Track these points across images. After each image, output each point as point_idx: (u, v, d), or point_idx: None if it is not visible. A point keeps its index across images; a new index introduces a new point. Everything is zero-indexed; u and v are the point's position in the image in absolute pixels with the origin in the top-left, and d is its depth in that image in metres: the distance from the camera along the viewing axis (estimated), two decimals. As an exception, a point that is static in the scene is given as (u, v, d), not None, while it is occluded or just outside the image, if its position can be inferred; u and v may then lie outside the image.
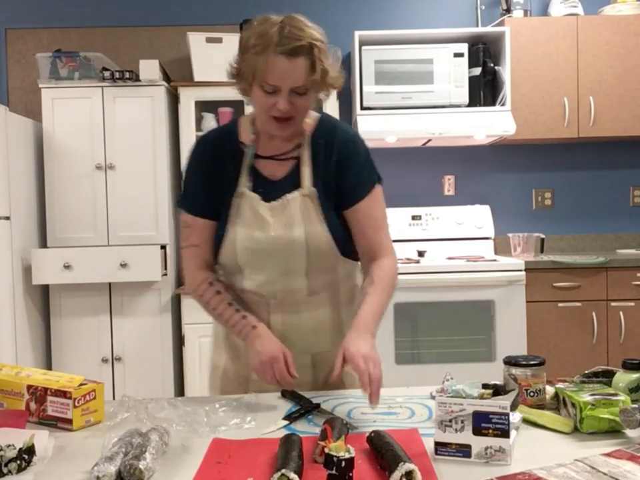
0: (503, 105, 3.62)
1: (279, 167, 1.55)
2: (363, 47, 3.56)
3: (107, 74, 3.38)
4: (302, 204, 1.50)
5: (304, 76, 1.40)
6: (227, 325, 1.56)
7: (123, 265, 3.24)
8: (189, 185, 1.60)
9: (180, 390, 3.47)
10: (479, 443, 1.09)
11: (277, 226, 1.50)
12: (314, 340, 1.58)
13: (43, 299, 3.43)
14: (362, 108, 3.58)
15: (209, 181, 1.55)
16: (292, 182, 1.53)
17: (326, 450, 1.01)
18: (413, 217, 3.74)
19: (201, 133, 3.51)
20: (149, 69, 3.37)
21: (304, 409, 1.38)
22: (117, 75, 3.37)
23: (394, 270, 1.56)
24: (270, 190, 1.52)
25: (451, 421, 1.11)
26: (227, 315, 1.54)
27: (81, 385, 1.35)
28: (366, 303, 1.47)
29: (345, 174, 1.53)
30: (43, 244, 3.43)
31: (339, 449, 1.00)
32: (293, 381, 1.46)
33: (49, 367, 3.37)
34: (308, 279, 1.54)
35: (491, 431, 1.09)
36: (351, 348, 1.36)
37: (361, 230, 1.55)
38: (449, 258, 3.63)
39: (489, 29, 3.71)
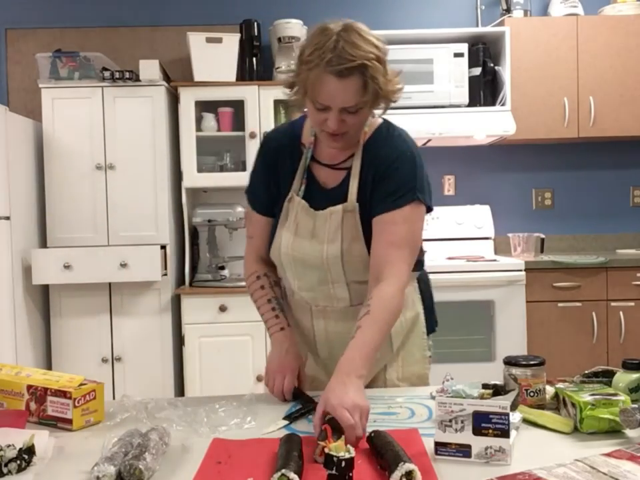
0: (503, 105, 3.62)
1: (332, 175, 1.53)
2: (363, 47, 3.56)
3: (107, 74, 3.37)
4: (344, 219, 1.48)
5: (355, 96, 1.34)
6: (262, 319, 1.59)
7: (123, 265, 3.24)
8: (252, 178, 1.63)
9: (180, 390, 3.47)
10: (478, 443, 1.09)
11: (317, 238, 1.50)
12: None
13: (43, 299, 3.42)
14: (362, 108, 3.57)
15: (269, 179, 1.57)
16: (341, 192, 1.50)
17: (326, 450, 1.01)
18: (413, 217, 3.72)
19: (200, 133, 3.55)
20: (149, 69, 3.37)
21: (304, 409, 1.39)
22: (117, 74, 3.36)
23: (395, 300, 1.41)
24: (320, 197, 1.51)
25: (450, 420, 1.11)
26: (263, 309, 1.58)
27: (81, 385, 1.35)
28: (356, 339, 1.35)
29: (381, 182, 1.47)
30: (43, 244, 3.43)
31: (339, 449, 1.00)
32: (282, 398, 1.47)
33: (49, 367, 3.36)
34: (349, 291, 1.54)
35: (490, 430, 1.09)
36: (332, 399, 1.22)
37: (376, 243, 1.45)
38: (449, 258, 3.63)
39: (489, 29, 3.71)
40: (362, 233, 1.48)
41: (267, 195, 1.58)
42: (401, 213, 1.45)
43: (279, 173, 1.56)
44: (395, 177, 1.46)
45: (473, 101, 3.65)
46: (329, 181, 1.53)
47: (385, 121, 1.55)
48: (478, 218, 3.88)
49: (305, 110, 1.49)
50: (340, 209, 1.48)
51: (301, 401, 1.44)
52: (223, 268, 3.54)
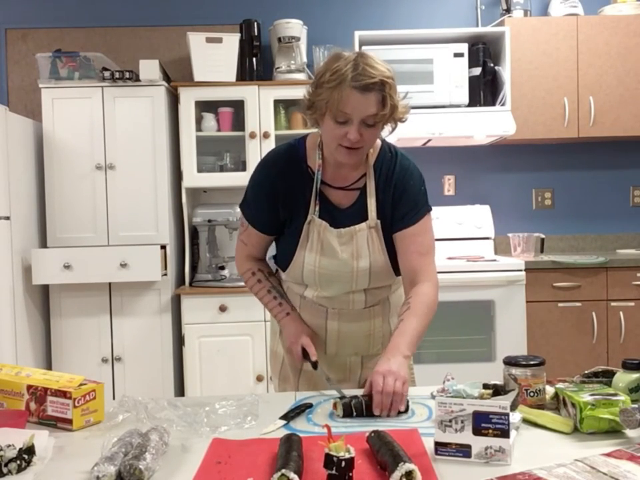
0: (503, 105, 3.62)
1: (345, 195, 1.63)
2: (363, 47, 3.56)
3: (107, 74, 3.37)
4: (368, 235, 1.61)
5: (375, 109, 1.47)
6: (267, 308, 1.73)
7: (123, 265, 3.24)
8: (252, 197, 1.67)
9: (180, 390, 3.47)
10: (479, 443, 1.09)
11: (345, 255, 1.61)
12: (365, 344, 1.72)
13: (43, 298, 3.42)
14: (362, 108, 3.57)
15: (271, 205, 1.63)
16: (357, 211, 1.62)
17: (326, 450, 1.01)
18: (413, 217, 3.73)
19: (200, 133, 3.55)
20: (149, 68, 3.37)
21: (301, 407, 1.39)
22: (117, 74, 3.36)
23: (432, 297, 1.59)
24: (336, 217, 1.62)
25: (451, 421, 1.11)
26: (266, 300, 1.70)
27: (81, 385, 1.35)
28: (399, 329, 1.52)
29: (400, 201, 1.62)
30: (43, 244, 3.43)
31: (339, 449, 1.00)
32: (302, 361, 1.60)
33: (49, 367, 3.36)
34: (366, 295, 1.67)
35: (490, 430, 1.09)
36: (376, 368, 1.43)
37: (407, 254, 1.61)
38: (449, 258, 3.63)
39: (489, 29, 3.71)
40: (385, 246, 1.62)
41: (269, 217, 1.64)
42: (422, 225, 1.63)
43: (286, 196, 1.62)
44: (410, 193, 1.63)
45: (473, 101, 3.65)
46: (342, 201, 1.63)
47: (383, 140, 1.67)
48: (478, 218, 3.88)
49: (316, 131, 1.61)
50: (364, 226, 1.61)
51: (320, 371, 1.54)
52: (223, 268, 3.54)
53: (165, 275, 3.40)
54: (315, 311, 1.69)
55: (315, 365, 1.55)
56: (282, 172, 1.62)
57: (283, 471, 0.98)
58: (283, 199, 1.61)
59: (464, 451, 1.10)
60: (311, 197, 1.61)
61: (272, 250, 1.76)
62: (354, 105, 1.45)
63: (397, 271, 1.66)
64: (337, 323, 1.68)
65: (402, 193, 1.62)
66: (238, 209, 3.39)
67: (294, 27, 3.61)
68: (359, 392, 1.45)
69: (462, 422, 1.10)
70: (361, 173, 1.63)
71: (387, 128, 1.57)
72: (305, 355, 1.58)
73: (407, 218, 1.61)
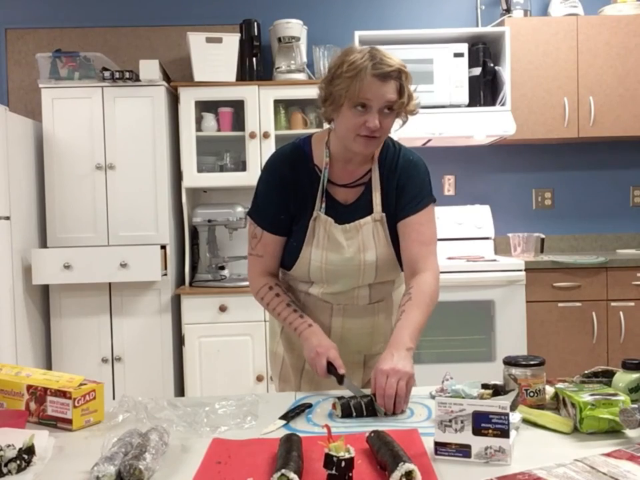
0: (502, 105, 3.62)
1: (350, 192, 1.65)
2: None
3: (107, 74, 3.37)
4: (374, 229, 1.63)
5: (394, 96, 1.52)
6: (285, 323, 1.67)
7: (123, 265, 3.24)
8: (261, 199, 1.67)
9: (180, 390, 3.47)
10: (478, 443, 1.09)
11: (351, 249, 1.62)
12: (368, 342, 1.73)
13: (43, 299, 3.42)
14: (362, 108, 3.57)
15: (282, 200, 1.63)
16: (362, 206, 1.64)
17: (326, 450, 1.01)
18: (413, 217, 3.73)
19: (200, 133, 3.55)
20: (149, 69, 3.37)
21: (300, 407, 1.39)
22: (117, 74, 3.36)
23: (433, 286, 1.59)
24: (342, 213, 1.63)
25: (450, 421, 1.11)
26: (285, 314, 1.65)
27: (81, 385, 1.35)
28: (401, 320, 1.52)
29: (404, 189, 1.64)
30: (43, 244, 3.43)
31: (339, 449, 1.00)
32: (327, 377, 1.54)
33: (49, 367, 3.36)
34: (371, 290, 1.68)
35: (490, 431, 1.09)
36: (377, 366, 1.42)
37: (408, 243, 1.62)
38: (449, 258, 3.63)
39: (489, 29, 3.71)
40: (390, 239, 1.63)
41: (281, 216, 1.64)
42: (424, 214, 1.64)
43: (293, 194, 1.63)
44: (414, 183, 1.65)
45: (473, 101, 3.65)
46: (348, 197, 1.65)
47: (387, 137, 1.68)
48: (478, 218, 3.88)
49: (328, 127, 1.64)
50: (369, 220, 1.63)
51: (347, 385, 1.50)
52: (223, 268, 3.54)
53: (165, 275, 3.40)
54: (320, 308, 1.69)
55: (341, 380, 1.50)
56: (289, 168, 1.64)
57: (283, 471, 0.98)
58: (292, 192, 1.62)
59: (464, 451, 1.10)
60: (316, 194, 1.62)
61: None
62: (374, 91, 1.49)
63: (402, 265, 1.66)
64: (342, 319, 1.69)
65: (406, 182, 1.64)
66: (238, 209, 3.44)
67: (294, 27, 3.61)
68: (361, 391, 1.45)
69: (462, 422, 1.10)
70: (366, 168, 1.65)
71: (398, 122, 1.60)
72: (329, 369, 1.53)
73: (410, 206, 1.62)
